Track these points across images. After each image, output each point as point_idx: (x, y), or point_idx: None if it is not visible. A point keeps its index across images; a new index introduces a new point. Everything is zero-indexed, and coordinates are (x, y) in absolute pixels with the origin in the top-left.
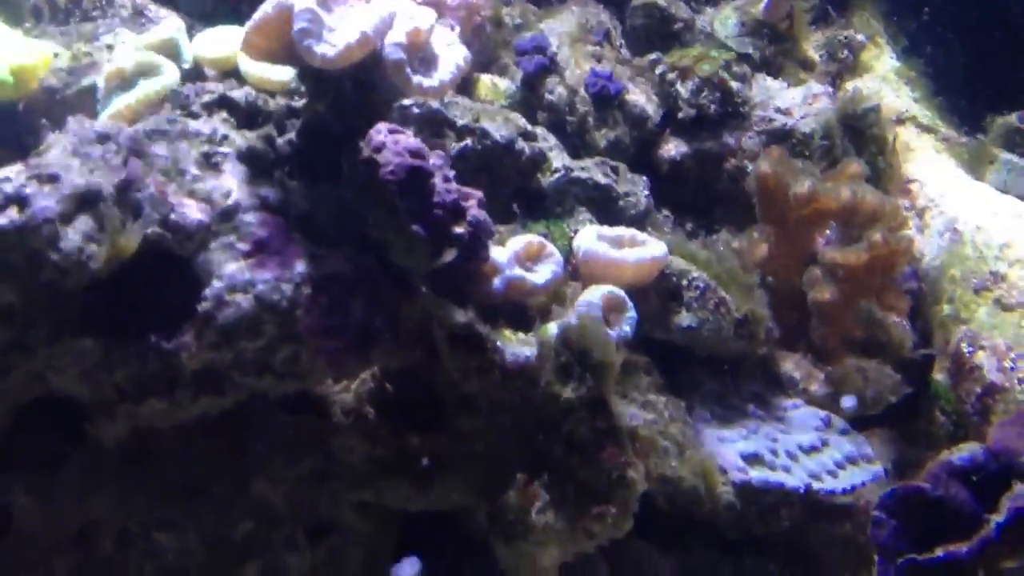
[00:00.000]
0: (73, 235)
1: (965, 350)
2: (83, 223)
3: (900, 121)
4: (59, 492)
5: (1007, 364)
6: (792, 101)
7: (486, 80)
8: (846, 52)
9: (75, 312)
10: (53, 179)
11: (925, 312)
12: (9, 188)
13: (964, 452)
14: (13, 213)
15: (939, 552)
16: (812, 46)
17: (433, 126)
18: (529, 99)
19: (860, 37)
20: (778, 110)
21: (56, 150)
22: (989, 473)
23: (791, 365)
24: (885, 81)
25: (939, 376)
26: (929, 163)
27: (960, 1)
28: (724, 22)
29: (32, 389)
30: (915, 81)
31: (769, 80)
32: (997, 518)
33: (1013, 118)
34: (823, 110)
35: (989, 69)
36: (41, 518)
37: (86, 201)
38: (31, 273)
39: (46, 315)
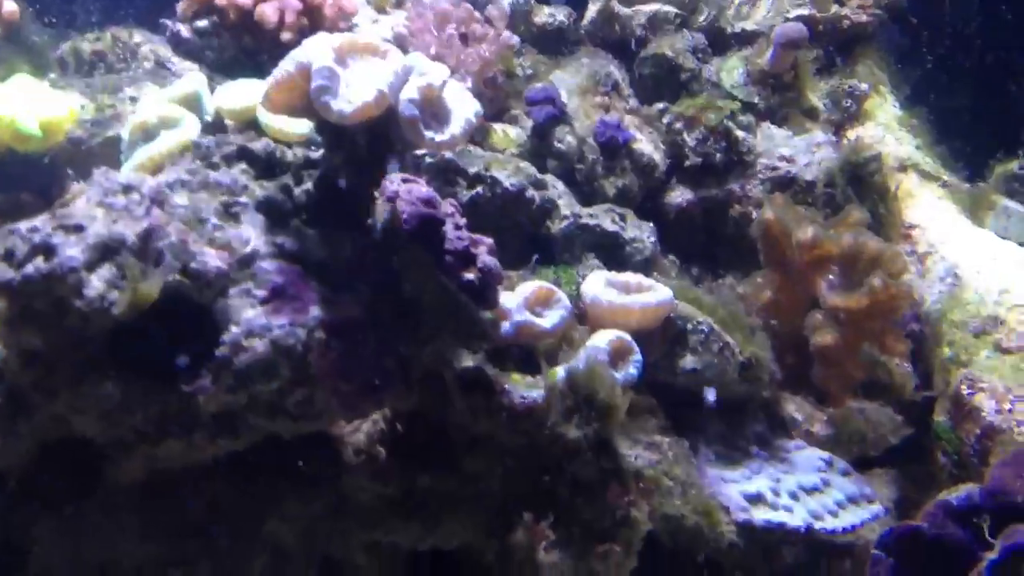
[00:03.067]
0: (96, 282)
1: (965, 392)
2: (106, 271)
3: (902, 168)
4: (80, 529)
5: (1005, 406)
6: (796, 149)
7: (498, 129)
8: (849, 101)
9: (97, 356)
10: (78, 229)
11: (926, 355)
12: (36, 238)
13: (961, 492)
14: (40, 262)
15: None
16: (816, 95)
17: (446, 175)
18: (539, 148)
19: (863, 86)
20: (782, 158)
21: (81, 201)
22: (985, 513)
23: (794, 407)
24: (888, 129)
25: (940, 418)
26: (930, 209)
27: (964, 49)
28: (730, 72)
29: (55, 430)
30: (917, 128)
31: (774, 129)
32: (991, 556)
33: (1013, 165)
34: (826, 158)
35: (992, 116)
36: (61, 555)
37: (109, 250)
38: (56, 319)
39: (69, 359)
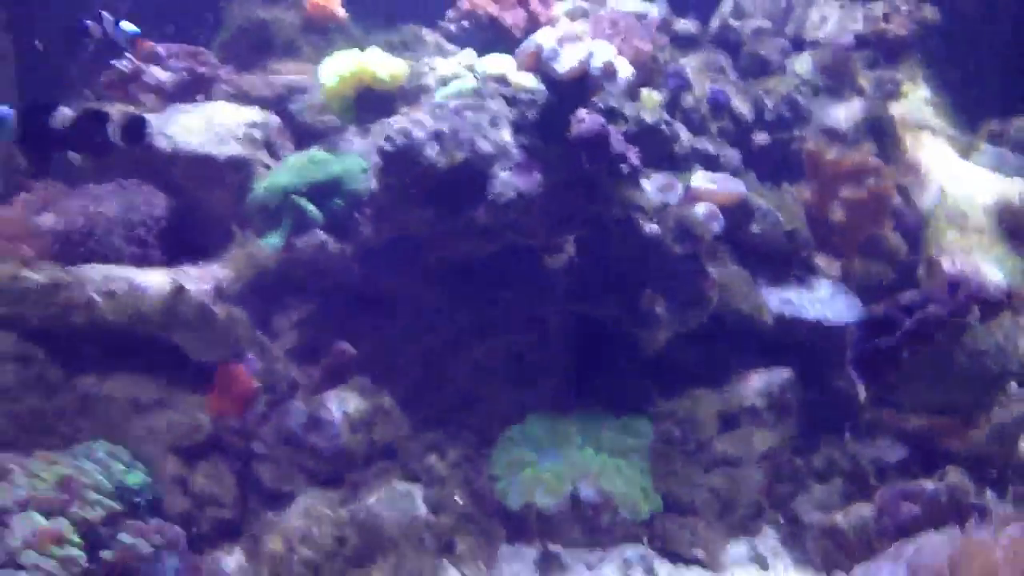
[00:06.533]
0: (431, 151)
1: (934, 255)
2: (435, 146)
3: (919, 127)
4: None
5: (957, 263)
6: (839, 112)
7: (646, 92)
8: (890, 86)
9: (429, 190)
10: (420, 124)
11: (921, 244)
12: (398, 126)
13: (906, 295)
14: (402, 139)
15: (881, 341)
16: (864, 82)
17: (613, 116)
18: (671, 104)
19: (899, 75)
20: (830, 117)
21: (422, 112)
22: (921, 305)
23: (820, 260)
24: (915, 106)
25: (920, 272)
26: (932, 151)
27: (996, 57)
28: (803, 64)
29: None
30: (939, 106)
31: (828, 99)
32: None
33: (994, 124)
34: (859, 118)
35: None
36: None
37: (437, 136)
38: (410, 168)
39: (412, 192)
